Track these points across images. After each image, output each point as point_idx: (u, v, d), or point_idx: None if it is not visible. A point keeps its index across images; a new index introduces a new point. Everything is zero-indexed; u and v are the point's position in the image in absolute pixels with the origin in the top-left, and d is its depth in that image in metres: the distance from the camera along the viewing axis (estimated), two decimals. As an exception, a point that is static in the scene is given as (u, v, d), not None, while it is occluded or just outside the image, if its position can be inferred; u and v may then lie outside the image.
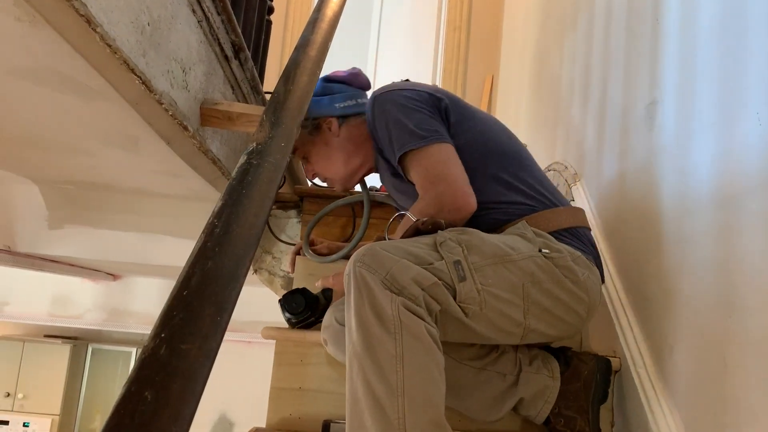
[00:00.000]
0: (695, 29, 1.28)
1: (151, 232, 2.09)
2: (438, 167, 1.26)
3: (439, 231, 1.17)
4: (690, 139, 1.25)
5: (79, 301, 3.84)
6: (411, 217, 1.24)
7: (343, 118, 1.49)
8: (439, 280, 1.08)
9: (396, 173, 1.38)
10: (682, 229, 1.25)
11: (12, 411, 4.45)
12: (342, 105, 1.49)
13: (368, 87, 1.57)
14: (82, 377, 4.70)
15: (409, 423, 0.99)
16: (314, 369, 1.51)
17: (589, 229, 1.37)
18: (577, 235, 1.31)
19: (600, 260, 1.34)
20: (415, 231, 1.19)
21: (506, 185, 1.32)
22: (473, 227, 1.26)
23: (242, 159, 1.04)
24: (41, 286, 3.82)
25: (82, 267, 2.99)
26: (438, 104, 1.35)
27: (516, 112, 3.09)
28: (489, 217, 1.30)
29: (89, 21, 0.80)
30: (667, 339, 1.27)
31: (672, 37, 1.39)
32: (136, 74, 0.97)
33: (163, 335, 0.70)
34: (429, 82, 4.04)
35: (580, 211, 1.38)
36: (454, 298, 1.10)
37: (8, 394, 4.49)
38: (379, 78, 4.23)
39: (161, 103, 1.09)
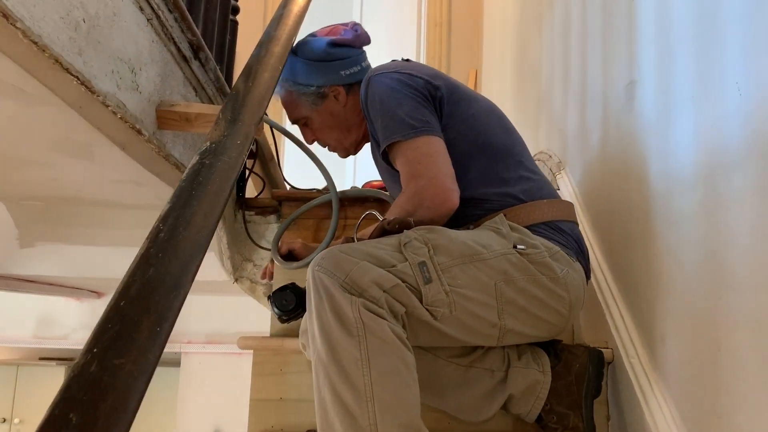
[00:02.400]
0: (671, 1, 1.23)
1: (126, 245, 2.02)
2: (423, 161, 1.20)
3: (405, 231, 1.11)
4: (670, 116, 1.20)
5: (64, 322, 3.77)
6: (378, 216, 1.18)
7: (349, 86, 1.44)
8: (403, 282, 1.03)
9: (385, 157, 1.32)
10: (667, 211, 1.19)
11: (8, 437, 4.39)
12: (348, 72, 1.44)
13: (369, 43, 1.51)
14: (78, 399, 4.62)
15: (381, 429, 0.93)
16: (295, 378, 1.46)
17: (576, 224, 1.31)
18: (558, 229, 1.24)
19: (586, 256, 1.29)
20: (382, 231, 1.13)
21: (492, 181, 1.26)
22: (450, 220, 1.21)
23: (194, 159, 0.98)
24: (24, 308, 3.76)
25: (62, 286, 2.93)
26: (434, 93, 1.28)
27: (500, 105, 3.03)
28: (468, 212, 1.25)
29: (6, 15, 0.74)
30: (659, 326, 1.22)
31: (648, 12, 1.34)
32: (71, 74, 0.91)
33: (94, 350, 0.64)
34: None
35: (566, 204, 1.31)
36: (421, 301, 1.04)
37: (4, 420, 4.43)
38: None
39: (107, 106, 1.03)
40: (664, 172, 1.21)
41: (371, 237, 1.14)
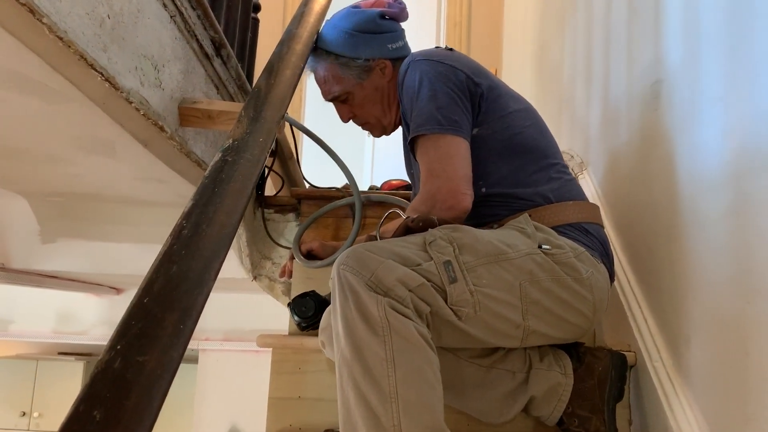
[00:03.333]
0: (699, 3, 1.20)
1: (146, 242, 2.03)
2: (442, 161, 1.19)
3: (429, 230, 1.10)
4: (698, 116, 1.17)
5: (83, 317, 3.80)
6: (401, 214, 1.18)
7: (394, 60, 1.41)
8: (428, 281, 1.02)
9: (412, 147, 1.29)
10: (694, 212, 1.17)
11: (28, 430, 4.43)
12: (395, 46, 1.41)
13: (407, 19, 1.49)
14: (96, 394, 4.66)
15: (405, 430, 0.92)
16: (313, 377, 1.45)
17: (602, 226, 1.29)
18: (584, 230, 1.22)
19: (610, 258, 1.27)
20: (406, 230, 1.12)
21: (522, 180, 1.25)
22: (475, 218, 1.20)
23: (217, 156, 0.98)
24: (45, 303, 3.79)
25: (83, 282, 2.95)
26: (473, 89, 1.26)
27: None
28: (495, 210, 1.24)
29: (32, 10, 0.74)
30: (684, 329, 1.19)
31: (675, 10, 1.32)
32: (96, 70, 0.91)
33: (118, 347, 0.64)
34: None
35: (593, 206, 1.29)
36: (446, 301, 1.03)
37: (24, 414, 4.47)
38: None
39: (130, 102, 1.03)
40: (692, 172, 1.19)
41: (395, 235, 1.13)
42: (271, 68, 1.30)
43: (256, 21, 1.90)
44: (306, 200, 2.00)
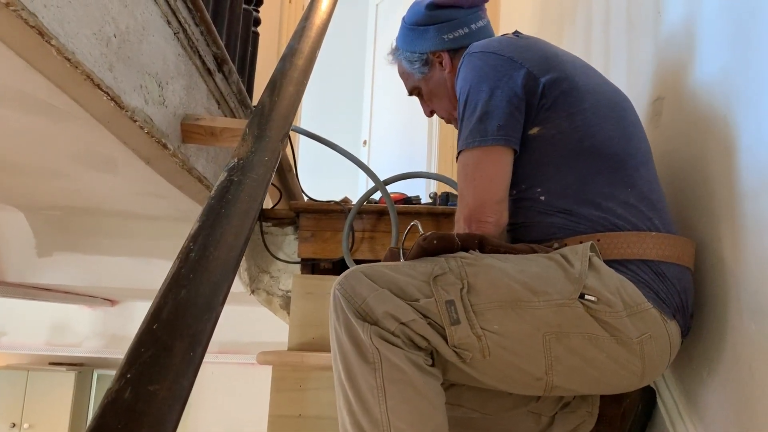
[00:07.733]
0: (700, 19, 1.21)
1: (143, 256, 2.02)
2: (468, 182, 1.08)
3: (444, 258, 0.99)
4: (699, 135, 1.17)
5: (77, 329, 3.77)
6: (420, 228, 1.13)
7: (454, 51, 1.31)
8: (425, 317, 0.94)
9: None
10: (695, 229, 1.17)
11: (18, 442, 4.39)
12: (451, 36, 1.31)
13: (483, 1, 1.36)
14: (88, 404, 4.63)
15: None
16: (314, 394, 1.44)
17: (689, 270, 1.07)
18: (661, 275, 1.01)
19: (688, 312, 1.05)
20: (420, 251, 1.02)
21: (587, 195, 1.07)
22: (534, 227, 1.10)
23: (222, 176, 0.97)
24: (38, 315, 3.76)
25: (77, 294, 2.93)
26: (532, 85, 1.08)
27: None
28: (552, 220, 1.08)
29: (41, 33, 0.73)
30: (689, 350, 1.19)
31: (676, 29, 1.32)
32: (102, 90, 0.90)
33: (128, 376, 0.63)
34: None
35: (680, 243, 1.06)
36: (446, 341, 0.94)
37: (14, 425, 4.42)
38: (377, 93, 4.14)
39: (135, 121, 1.02)
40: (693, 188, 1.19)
41: (409, 257, 1.04)
42: (273, 85, 1.30)
43: (256, 35, 1.89)
44: (305, 213, 1.99)
